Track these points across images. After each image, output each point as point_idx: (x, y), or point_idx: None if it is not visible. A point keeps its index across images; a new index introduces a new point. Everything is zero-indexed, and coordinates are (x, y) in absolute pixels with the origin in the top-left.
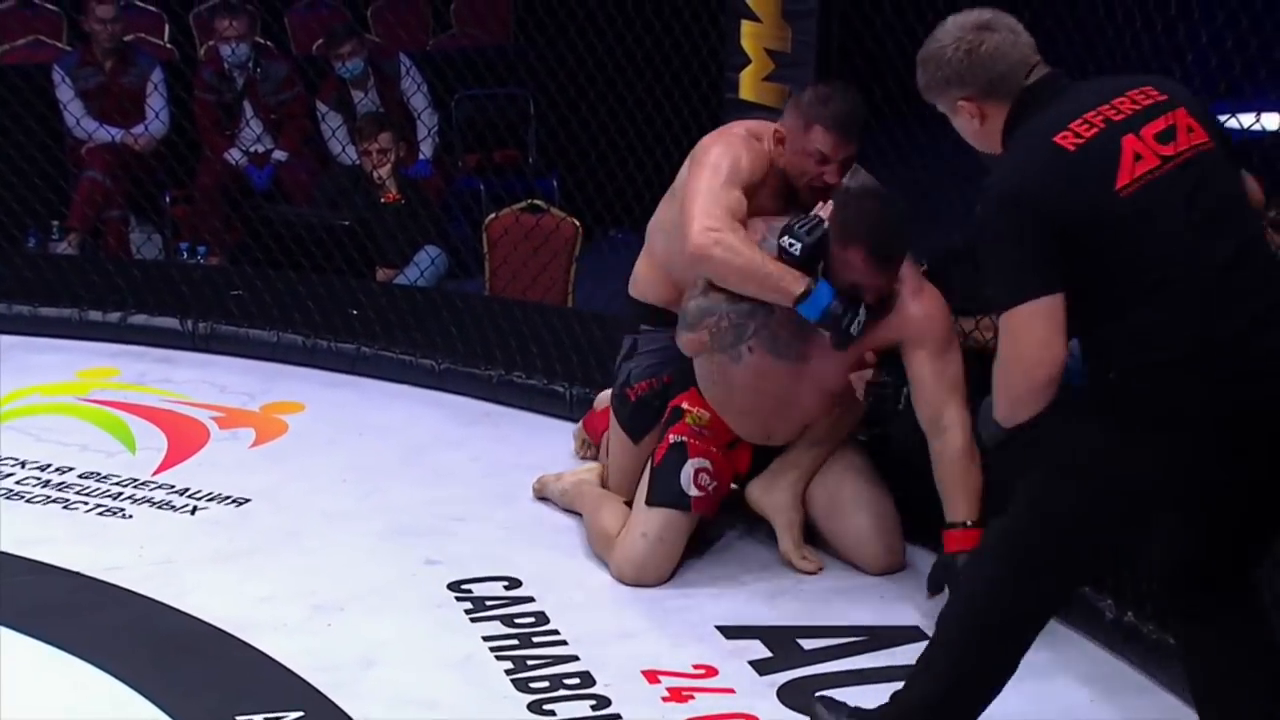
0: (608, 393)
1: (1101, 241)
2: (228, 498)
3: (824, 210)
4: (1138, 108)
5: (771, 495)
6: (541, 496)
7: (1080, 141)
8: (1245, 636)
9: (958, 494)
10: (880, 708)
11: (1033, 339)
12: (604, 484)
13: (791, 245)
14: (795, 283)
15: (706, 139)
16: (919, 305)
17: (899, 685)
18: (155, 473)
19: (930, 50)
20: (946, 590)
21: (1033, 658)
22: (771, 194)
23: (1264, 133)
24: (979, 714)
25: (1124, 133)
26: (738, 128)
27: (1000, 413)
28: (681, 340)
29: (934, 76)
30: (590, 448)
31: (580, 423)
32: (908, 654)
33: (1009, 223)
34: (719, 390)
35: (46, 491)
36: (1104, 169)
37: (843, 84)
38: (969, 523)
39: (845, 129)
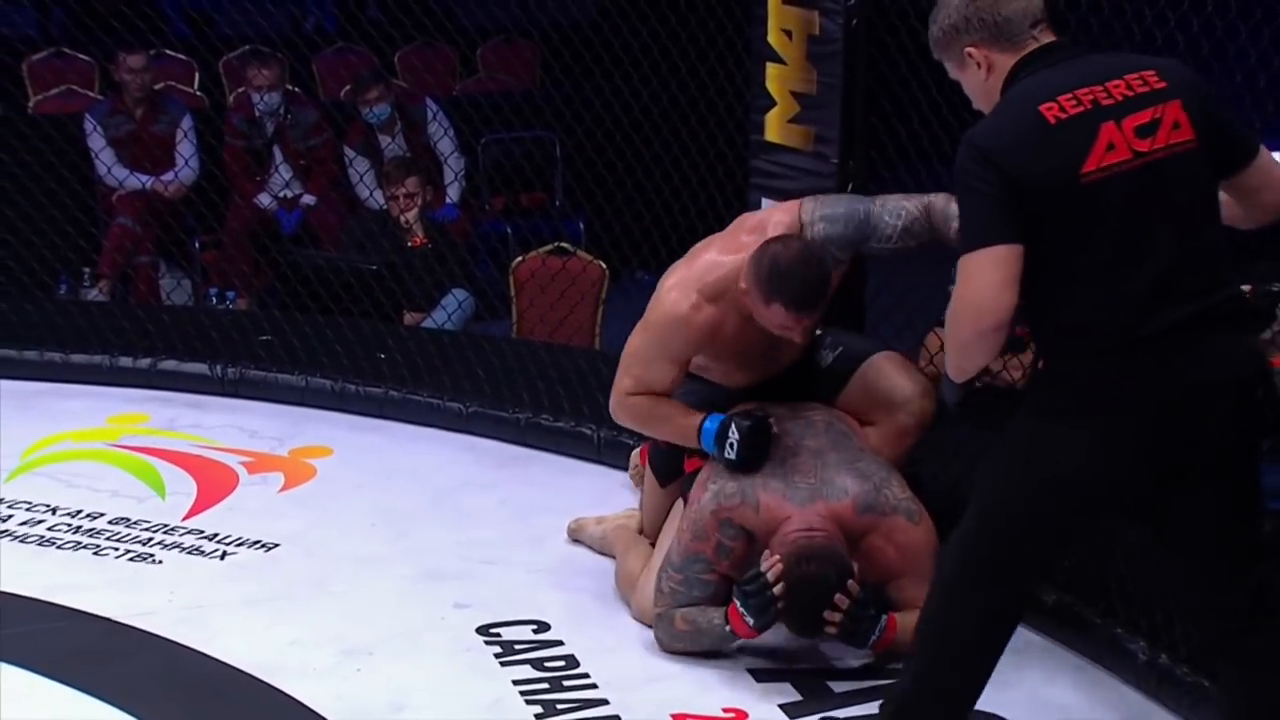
0: None
1: (1055, 219)
2: (257, 542)
3: (770, 567)
4: (1130, 94)
5: None
6: (576, 539)
7: (1063, 117)
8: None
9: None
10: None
11: (984, 283)
12: (641, 530)
13: (744, 607)
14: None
15: (666, 285)
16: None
17: None
18: (185, 518)
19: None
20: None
21: (1066, 699)
22: (737, 331)
23: None
24: None
25: (1105, 119)
26: (682, 296)
27: (951, 366)
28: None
29: (944, 24)
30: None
31: (638, 449)
32: None
33: (979, 174)
34: None
35: (77, 537)
36: (1076, 150)
37: (806, 251)
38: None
39: (807, 306)
